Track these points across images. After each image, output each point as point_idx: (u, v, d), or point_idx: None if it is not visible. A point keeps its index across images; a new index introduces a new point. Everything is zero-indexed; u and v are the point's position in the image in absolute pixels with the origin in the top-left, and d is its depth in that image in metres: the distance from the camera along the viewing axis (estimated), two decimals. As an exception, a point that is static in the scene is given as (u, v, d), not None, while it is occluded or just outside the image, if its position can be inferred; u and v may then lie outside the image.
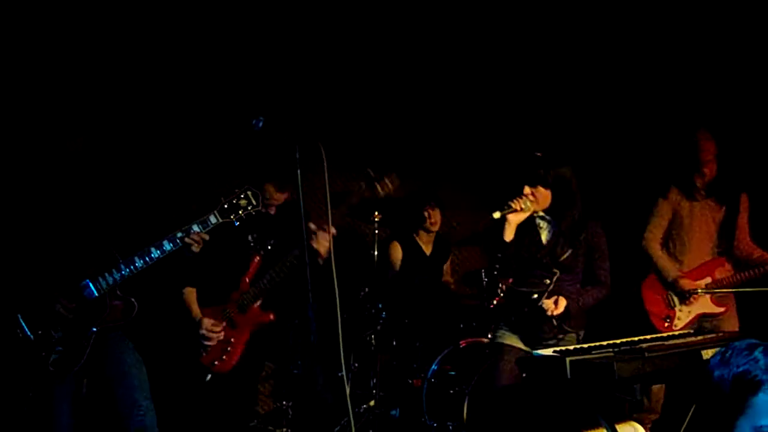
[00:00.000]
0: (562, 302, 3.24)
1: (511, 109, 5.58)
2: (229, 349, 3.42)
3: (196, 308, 3.46)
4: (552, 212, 3.40)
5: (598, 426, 2.71)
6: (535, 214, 3.41)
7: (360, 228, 5.22)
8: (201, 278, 3.48)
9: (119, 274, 2.92)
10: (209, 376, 3.42)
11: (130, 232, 3.01)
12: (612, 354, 2.66)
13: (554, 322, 3.28)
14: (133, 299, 3.00)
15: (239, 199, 3.02)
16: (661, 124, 4.99)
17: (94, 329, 2.94)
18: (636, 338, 3.07)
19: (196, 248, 3.00)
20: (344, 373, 2.52)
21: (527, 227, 3.40)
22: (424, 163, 5.32)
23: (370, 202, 4.43)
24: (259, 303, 3.47)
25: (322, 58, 4.90)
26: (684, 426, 3.01)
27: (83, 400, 3.25)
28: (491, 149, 5.53)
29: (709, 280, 3.96)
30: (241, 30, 4.57)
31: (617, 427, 2.70)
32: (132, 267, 2.92)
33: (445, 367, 4.34)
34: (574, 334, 3.35)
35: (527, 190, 3.33)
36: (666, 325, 3.97)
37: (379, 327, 4.44)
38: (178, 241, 2.96)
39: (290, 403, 4.08)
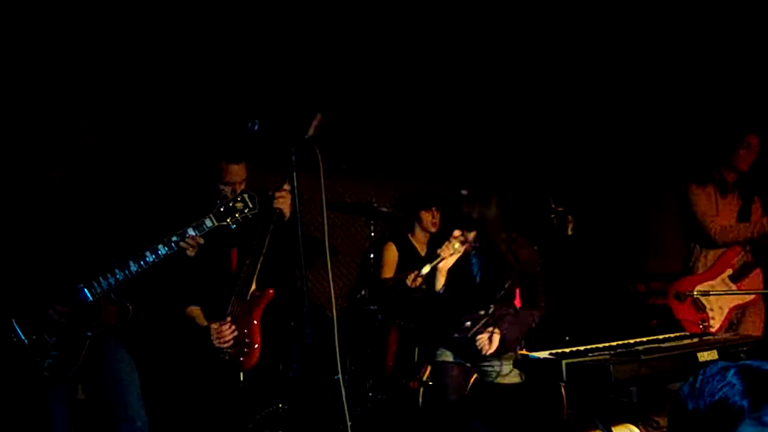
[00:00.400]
0: (496, 338, 3.21)
1: (511, 109, 5.59)
2: (247, 341, 3.37)
3: (201, 320, 3.42)
4: (481, 247, 3.35)
5: (595, 428, 2.72)
6: (465, 252, 3.32)
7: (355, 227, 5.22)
8: (202, 294, 3.45)
9: (114, 278, 2.89)
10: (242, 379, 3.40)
11: (125, 236, 2.99)
12: (608, 356, 2.67)
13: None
14: (128, 303, 2.97)
15: (235, 202, 3.00)
16: (662, 125, 5.01)
17: (89, 334, 2.92)
18: (632, 340, 3.07)
19: (191, 252, 2.98)
20: (341, 375, 2.51)
21: (458, 267, 3.31)
22: (423, 164, 5.32)
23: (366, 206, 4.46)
24: (254, 286, 3.41)
25: (321, 59, 4.89)
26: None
27: (79, 405, 3.24)
28: (491, 149, 5.53)
29: (730, 271, 4.06)
30: (239, 31, 4.55)
31: (613, 429, 2.71)
32: (127, 271, 2.90)
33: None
34: (512, 353, 3.31)
35: (457, 232, 3.25)
36: (702, 328, 3.95)
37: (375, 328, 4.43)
38: (173, 244, 2.94)
39: (286, 406, 4.07)
